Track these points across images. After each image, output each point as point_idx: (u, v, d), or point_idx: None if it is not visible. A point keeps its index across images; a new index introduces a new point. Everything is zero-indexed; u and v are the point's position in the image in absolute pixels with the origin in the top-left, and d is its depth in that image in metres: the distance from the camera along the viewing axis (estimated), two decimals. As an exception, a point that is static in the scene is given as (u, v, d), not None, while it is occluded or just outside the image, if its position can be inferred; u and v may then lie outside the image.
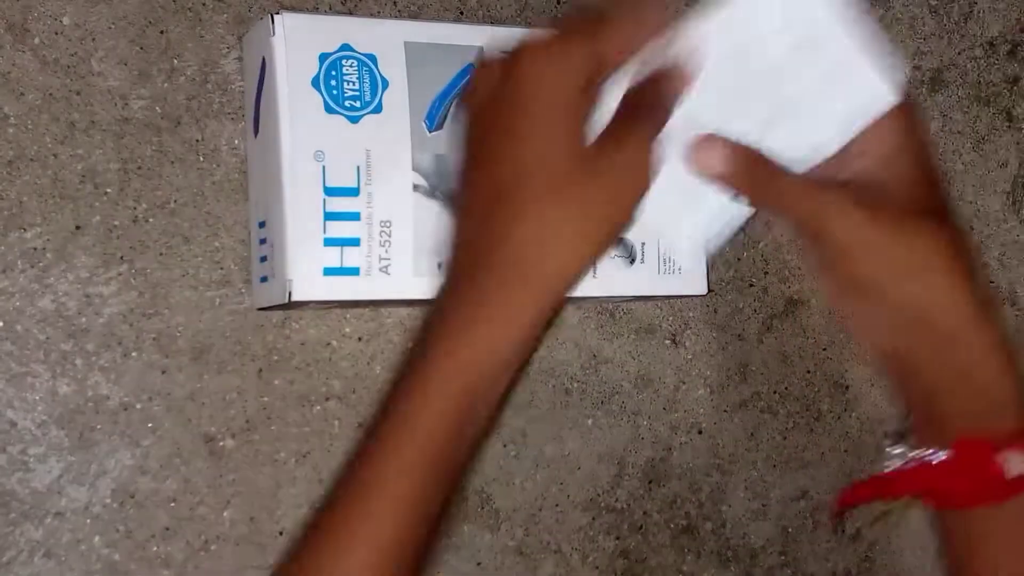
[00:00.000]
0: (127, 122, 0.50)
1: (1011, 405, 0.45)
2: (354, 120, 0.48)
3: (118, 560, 0.50)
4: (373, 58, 0.48)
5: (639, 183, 0.43)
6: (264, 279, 0.50)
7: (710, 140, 0.45)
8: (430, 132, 0.49)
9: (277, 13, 0.47)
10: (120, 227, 0.50)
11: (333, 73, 0.48)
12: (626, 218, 0.43)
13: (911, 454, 0.47)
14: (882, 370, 0.49)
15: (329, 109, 0.48)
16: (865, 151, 0.46)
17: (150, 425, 0.51)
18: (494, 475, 0.57)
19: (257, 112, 0.50)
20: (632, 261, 0.52)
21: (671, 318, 0.60)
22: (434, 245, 0.48)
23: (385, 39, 0.49)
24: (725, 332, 0.62)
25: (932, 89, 0.66)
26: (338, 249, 0.48)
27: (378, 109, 0.48)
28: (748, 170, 0.45)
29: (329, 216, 0.48)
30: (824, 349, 0.64)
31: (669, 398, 0.61)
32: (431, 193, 0.49)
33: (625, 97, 0.44)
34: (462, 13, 0.55)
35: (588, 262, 0.43)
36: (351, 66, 0.48)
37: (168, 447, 0.51)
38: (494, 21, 0.56)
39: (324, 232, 0.48)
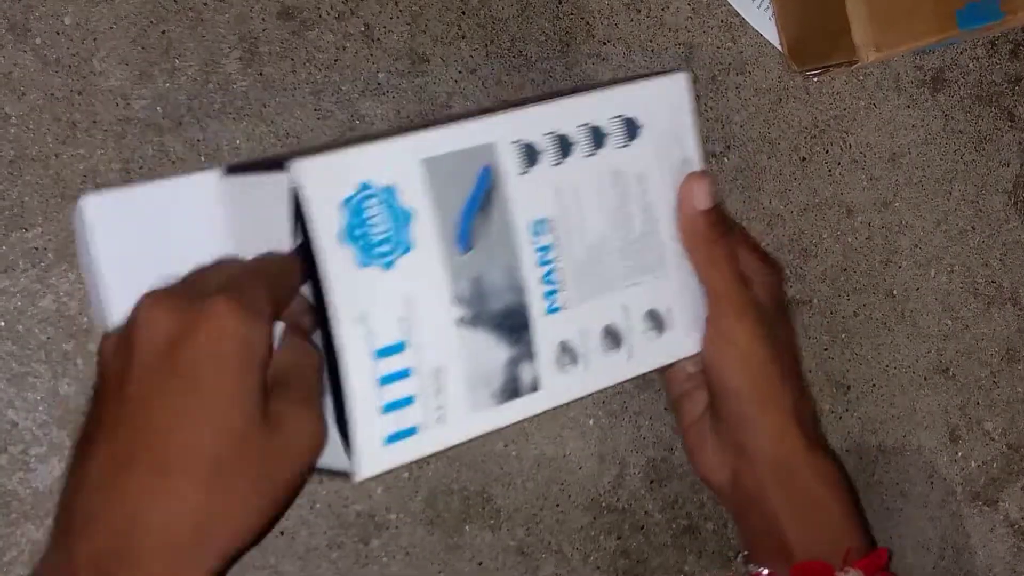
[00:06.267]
0: (128, 122, 0.50)
1: (845, 529, 0.50)
2: (388, 266, 0.43)
3: (119, 560, 0.50)
4: (391, 190, 0.43)
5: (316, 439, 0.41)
6: None
7: (703, 176, 0.50)
8: (463, 254, 0.45)
9: (286, 160, 0.41)
10: (121, 227, 0.50)
11: (357, 220, 0.42)
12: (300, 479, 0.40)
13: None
14: (722, 501, 0.54)
15: (363, 262, 0.42)
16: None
17: (151, 425, 0.50)
18: (495, 475, 0.57)
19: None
20: (661, 331, 0.50)
21: (672, 318, 0.60)
22: (485, 372, 0.46)
23: (401, 163, 0.43)
24: (726, 332, 0.62)
25: (934, 89, 0.66)
26: (396, 413, 0.43)
27: (409, 247, 0.43)
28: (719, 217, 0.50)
29: (384, 380, 0.43)
30: (825, 349, 0.64)
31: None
32: (474, 321, 0.45)
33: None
34: (464, 13, 0.55)
35: (263, 527, 0.39)
36: (373, 206, 0.43)
37: (169, 447, 0.51)
38: (495, 20, 0.56)
39: (381, 399, 0.43)
